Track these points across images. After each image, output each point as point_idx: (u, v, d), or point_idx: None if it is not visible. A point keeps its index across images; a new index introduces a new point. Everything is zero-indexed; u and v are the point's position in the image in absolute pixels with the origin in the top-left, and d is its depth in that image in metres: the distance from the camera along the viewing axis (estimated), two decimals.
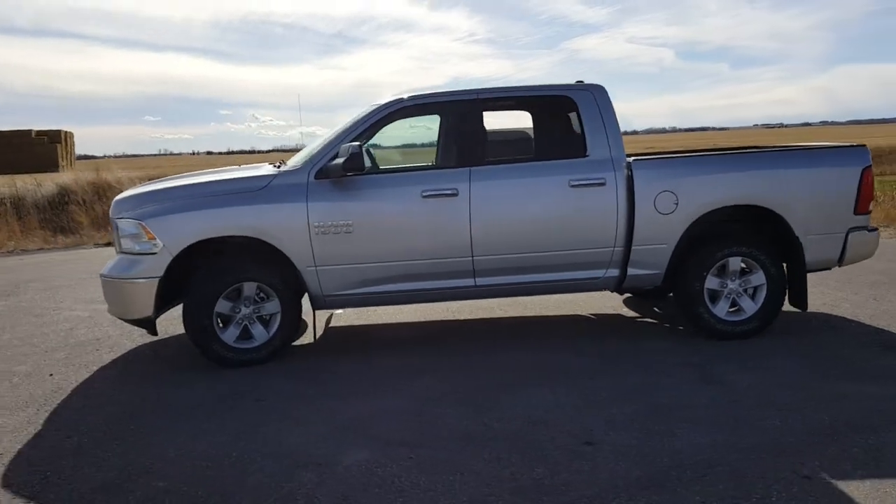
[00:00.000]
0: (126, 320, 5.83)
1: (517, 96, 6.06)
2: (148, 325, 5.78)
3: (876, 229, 6.07)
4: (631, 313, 7.04)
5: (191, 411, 4.84)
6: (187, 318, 5.64)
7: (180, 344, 6.43)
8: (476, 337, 6.37)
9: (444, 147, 6.42)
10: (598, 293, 7.06)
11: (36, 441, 4.45)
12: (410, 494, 3.58)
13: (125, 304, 5.67)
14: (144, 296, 5.59)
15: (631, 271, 5.88)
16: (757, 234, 5.99)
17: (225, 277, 5.61)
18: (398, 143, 7.18)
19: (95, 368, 5.87)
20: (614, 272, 5.90)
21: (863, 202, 5.93)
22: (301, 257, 5.61)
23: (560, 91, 5.97)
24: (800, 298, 6.02)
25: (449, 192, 5.65)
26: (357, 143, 5.51)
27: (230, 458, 4.08)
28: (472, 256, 5.72)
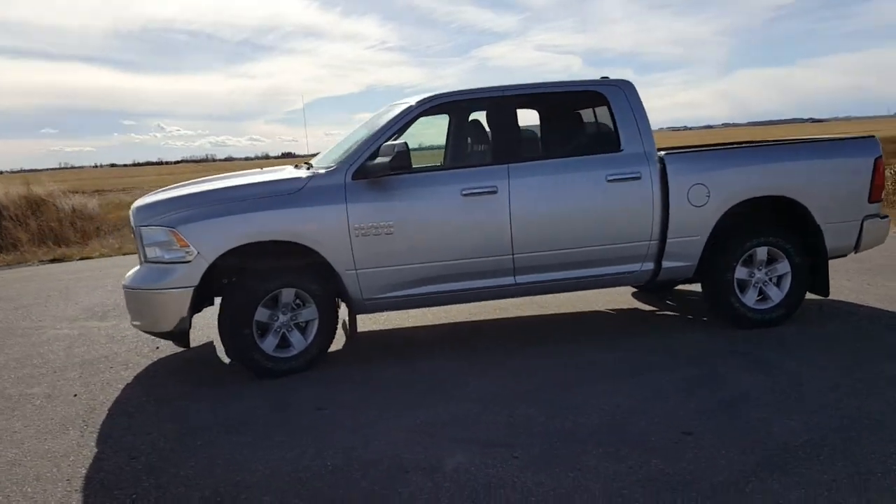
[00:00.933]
0: (155, 333, 5.52)
1: (548, 92, 6.05)
2: (180, 337, 5.50)
3: (887, 216, 6.33)
4: (646, 307, 7.13)
5: (251, 424, 4.62)
6: (225, 327, 5.39)
7: (186, 358, 6.17)
8: (505, 337, 6.31)
9: (478, 144, 6.34)
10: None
11: (99, 464, 4.16)
12: (541, 494, 3.50)
13: (156, 316, 5.37)
14: (178, 306, 5.32)
15: (665, 264, 5.95)
16: (780, 224, 6.14)
17: (264, 284, 5.39)
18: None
19: (120, 387, 5.54)
20: (649, 266, 5.96)
21: (876, 191, 6.17)
22: (341, 260, 5.45)
23: (590, 86, 6.00)
24: (822, 285, 6.21)
25: (488, 189, 5.59)
26: (403, 141, 5.39)
27: (327, 468, 3.91)
28: (513, 254, 5.68)
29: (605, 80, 6.02)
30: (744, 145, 6.53)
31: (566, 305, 7.30)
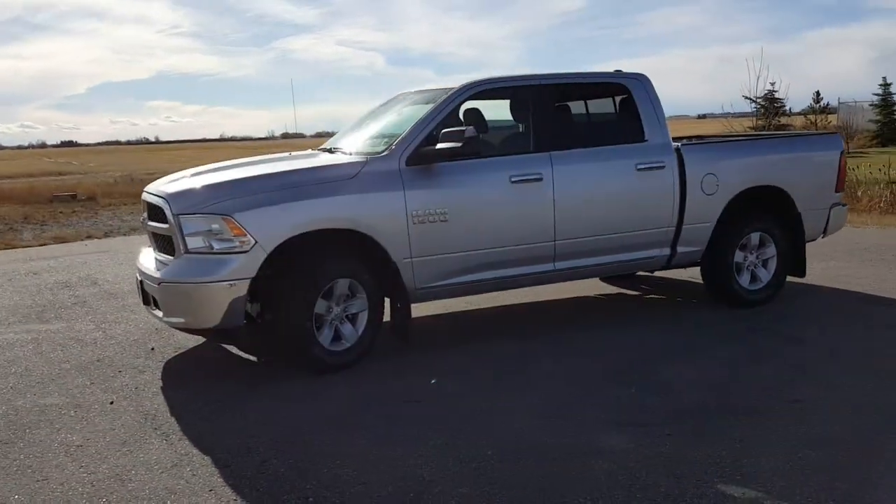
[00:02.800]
0: (199, 331, 5.07)
1: (579, 82, 6.20)
2: (232, 335, 5.10)
3: (846, 205, 7.12)
4: (631, 292, 7.48)
5: (350, 419, 4.39)
6: (281, 322, 5.03)
7: (198, 358, 5.76)
8: (542, 320, 6.44)
9: (521, 131, 6.34)
10: None
11: (230, 470, 3.78)
12: (729, 466, 3.64)
13: (207, 312, 4.92)
14: (235, 301, 4.91)
15: (680, 249, 6.32)
16: (768, 211, 6.70)
17: (324, 275, 5.11)
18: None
19: (155, 390, 5.01)
20: (667, 251, 6.29)
21: (840, 182, 6.93)
22: (398, 249, 5.28)
23: (615, 78, 6.24)
24: (800, 267, 6.85)
25: (535, 177, 5.66)
26: (470, 126, 5.32)
27: (488, 457, 3.81)
28: (555, 241, 5.79)
29: (627, 73, 6.27)
30: (739, 139, 7.04)
31: (548, 293, 7.41)
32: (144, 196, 5.53)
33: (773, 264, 6.67)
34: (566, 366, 5.22)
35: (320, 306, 5.12)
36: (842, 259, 8.45)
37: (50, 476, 3.80)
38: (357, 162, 5.33)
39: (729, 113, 22.62)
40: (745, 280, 6.60)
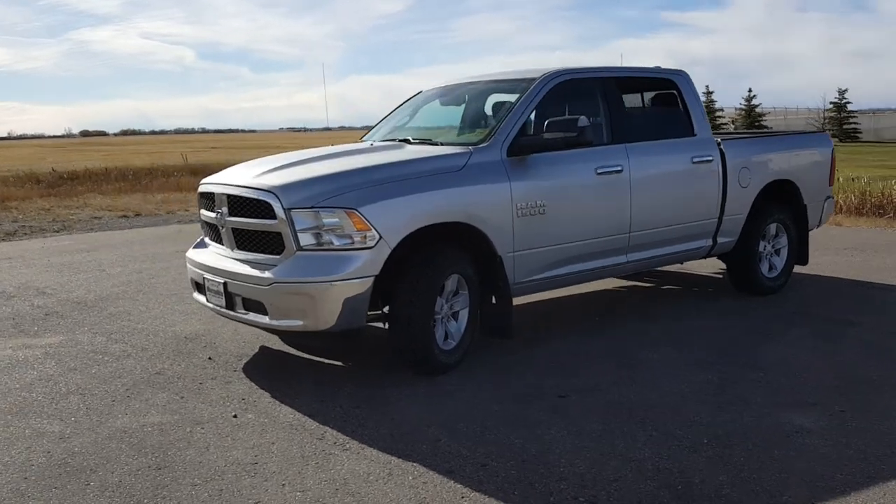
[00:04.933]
0: (315, 334, 4.65)
1: (638, 76, 6.29)
2: (350, 337, 4.72)
3: (833, 197, 7.73)
4: (643, 283, 7.68)
5: (518, 416, 4.22)
6: (403, 321, 4.72)
7: (274, 362, 5.32)
8: (594, 311, 6.43)
9: (597, 122, 6.28)
10: None
11: (466, 482, 3.51)
12: None
13: (328, 313, 4.53)
14: (359, 300, 4.56)
15: (719, 240, 6.59)
16: (782, 203, 7.13)
17: (443, 271, 4.86)
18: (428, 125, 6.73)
19: (268, 401, 4.56)
20: (709, 242, 6.54)
21: (832, 177, 7.52)
22: (503, 242, 5.13)
23: (664, 74, 6.40)
24: (804, 255, 7.34)
25: (617, 168, 5.70)
26: (581, 116, 5.25)
27: (686, 446, 3.81)
28: (630, 233, 5.85)
29: (670, 69, 6.45)
30: (760, 135, 7.42)
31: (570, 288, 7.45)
32: (225, 189, 4.99)
33: (784, 253, 7.11)
34: (664, 355, 5.29)
35: (438, 304, 4.86)
36: (823, 254, 9.03)
37: (261, 499, 3.35)
38: (462, 153, 5.10)
39: None
40: (765, 268, 6.98)
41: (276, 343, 5.74)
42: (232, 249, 5.00)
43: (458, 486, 3.42)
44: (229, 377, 5.00)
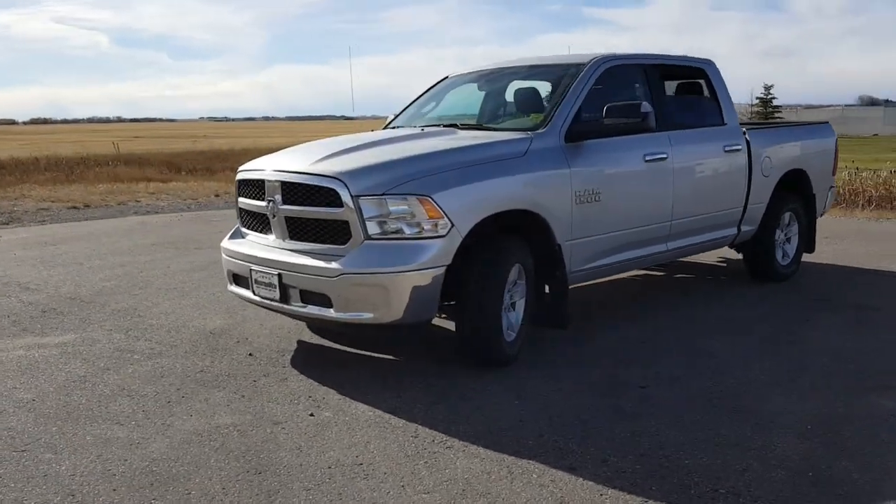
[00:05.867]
0: (383, 327, 4.44)
1: (674, 64, 6.23)
2: (417, 329, 4.54)
3: (835, 186, 7.89)
4: (656, 273, 7.68)
5: (610, 408, 4.12)
6: (477, 311, 4.55)
7: (324, 356, 5.09)
8: (620, 305, 6.39)
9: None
10: None
11: (599, 477, 3.39)
12: None
13: (399, 306, 4.32)
14: (431, 291, 4.38)
15: (743, 228, 6.63)
16: (794, 192, 7.22)
17: (508, 261, 4.71)
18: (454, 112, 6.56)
19: (338, 398, 4.33)
20: (734, 230, 6.57)
21: (835, 166, 7.67)
22: (562, 230, 5.01)
23: (694, 62, 6.38)
24: (812, 243, 7.46)
25: (662, 156, 5.65)
26: (644, 101, 5.16)
27: (804, 432, 3.80)
28: (671, 221, 5.82)
29: (699, 58, 6.44)
30: (776, 125, 7.47)
31: None
32: (278, 177, 4.71)
33: (795, 241, 7.22)
34: (721, 342, 5.26)
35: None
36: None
37: (386, 502, 3.15)
38: (523, 138, 4.96)
39: None
40: (779, 256, 7.07)
41: (308, 336, 5.51)
42: (284, 239, 4.73)
43: (590, 483, 3.29)
44: (282, 374, 4.74)
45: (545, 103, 5.37)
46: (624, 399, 4.24)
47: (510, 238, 4.72)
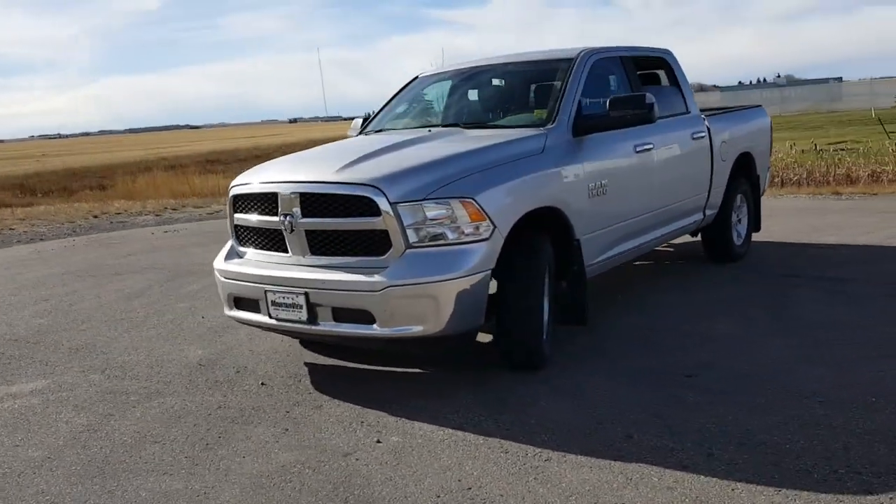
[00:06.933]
0: (432, 341, 4.22)
1: (640, 55, 6.27)
2: (465, 341, 4.37)
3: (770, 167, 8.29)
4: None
5: (673, 400, 4.09)
6: (524, 314, 4.41)
7: (347, 376, 4.81)
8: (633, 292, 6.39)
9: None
10: None
11: (703, 465, 3.34)
12: None
13: (452, 315, 4.12)
14: (480, 297, 4.22)
15: (707, 213, 6.82)
16: (743, 175, 7.49)
17: (544, 260, 4.61)
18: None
19: (398, 419, 4.07)
20: (700, 216, 6.74)
21: (770, 147, 8.06)
22: (580, 225, 4.96)
23: (657, 53, 6.49)
24: (758, 222, 7.79)
25: (649, 146, 5.71)
26: (647, 93, 5.16)
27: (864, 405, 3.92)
28: (658, 209, 5.90)
29: (659, 48, 6.56)
30: (726, 111, 7.69)
31: None
32: (294, 188, 4.36)
33: (745, 221, 7.52)
34: (727, 326, 5.36)
35: None
36: None
37: None
38: (538, 135, 4.86)
39: (318, 117, 23.99)
40: (735, 237, 7.33)
41: (310, 356, 5.22)
42: (303, 255, 4.40)
43: (712, 478, 3.24)
44: (312, 401, 4.42)
45: (549, 99, 5.27)
46: (678, 389, 4.22)
47: (540, 237, 4.61)
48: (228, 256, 4.86)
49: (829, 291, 6.06)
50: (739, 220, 7.44)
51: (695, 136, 6.37)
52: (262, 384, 4.73)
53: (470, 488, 3.28)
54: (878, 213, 9.80)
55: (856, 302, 5.72)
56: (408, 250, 4.10)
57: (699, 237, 7.30)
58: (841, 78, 69.10)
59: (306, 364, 5.06)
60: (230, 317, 4.88)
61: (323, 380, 4.76)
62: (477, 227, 4.16)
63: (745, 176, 7.45)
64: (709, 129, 6.62)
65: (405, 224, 4.07)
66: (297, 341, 5.47)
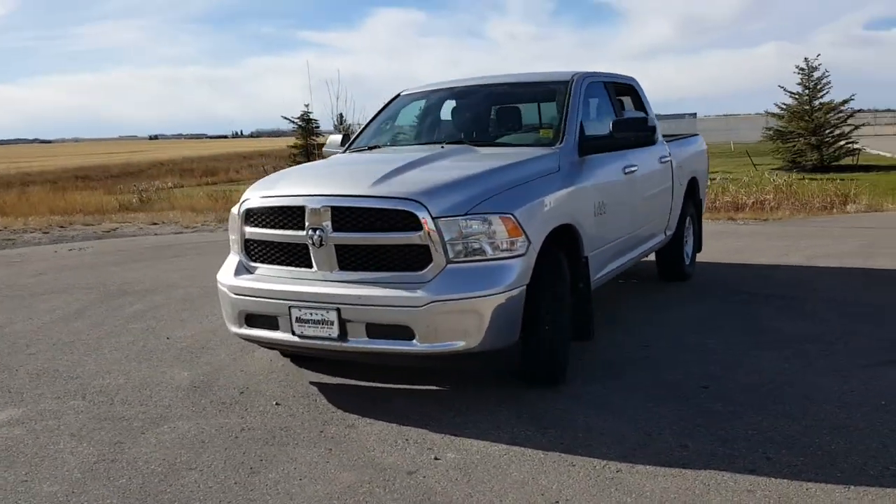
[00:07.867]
0: (474, 355, 4.20)
1: (614, 81, 6.47)
2: (495, 357, 4.38)
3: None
4: None
5: (703, 410, 4.24)
6: (554, 331, 4.46)
7: (383, 396, 4.72)
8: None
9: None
10: None
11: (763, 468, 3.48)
12: None
13: (493, 330, 4.11)
14: (517, 312, 4.25)
15: (667, 233, 7.13)
16: (689, 198, 7.88)
17: (566, 276, 4.69)
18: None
19: (448, 437, 4.01)
20: (664, 236, 7.04)
21: (707, 172, 8.54)
22: (588, 242, 5.08)
23: (625, 80, 6.74)
24: (699, 244, 8.21)
25: (634, 168, 5.93)
26: (649, 114, 5.35)
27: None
28: (638, 229, 6.12)
29: (624, 75, 6.83)
30: (675, 137, 8.03)
31: None
32: (326, 202, 4.22)
33: (691, 242, 7.91)
34: (718, 340, 5.60)
35: None
36: None
37: None
38: (553, 153, 4.96)
39: (181, 134, 23.56)
40: (685, 256, 7.70)
41: (314, 376, 5.05)
42: (331, 271, 4.27)
43: (784, 480, 3.38)
44: (341, 420, 4.28)
45: (552, 119, 5.38)
46: (702, 400, 4.37)
47: (561, 253, 4.68)
48: (238, 272, 4.64)
49: (785, 308, 6.44)
50: (687, 241, 7.80)
51: (662, 160, 6.66)
52: (277, 404, 4.53)
53: (557, 502, 3.26)
54: (783, 238, 10.49)
55: (815, 319, 6.09)
56: (448, 265, 4.06)
57: (651, 257, 7.57)
58: (696, 114, 73.41)
59: (312, 383, 4.89)
60: (238, 335, 4.65)
61: (339, 398, 4.61)
62: (513, 243, 4.18)
63: (692, 199, 7.83)
64: (670, 153, 6.93)
65: (445, 239, 4.04)
66: (287, 360, 5.29)
